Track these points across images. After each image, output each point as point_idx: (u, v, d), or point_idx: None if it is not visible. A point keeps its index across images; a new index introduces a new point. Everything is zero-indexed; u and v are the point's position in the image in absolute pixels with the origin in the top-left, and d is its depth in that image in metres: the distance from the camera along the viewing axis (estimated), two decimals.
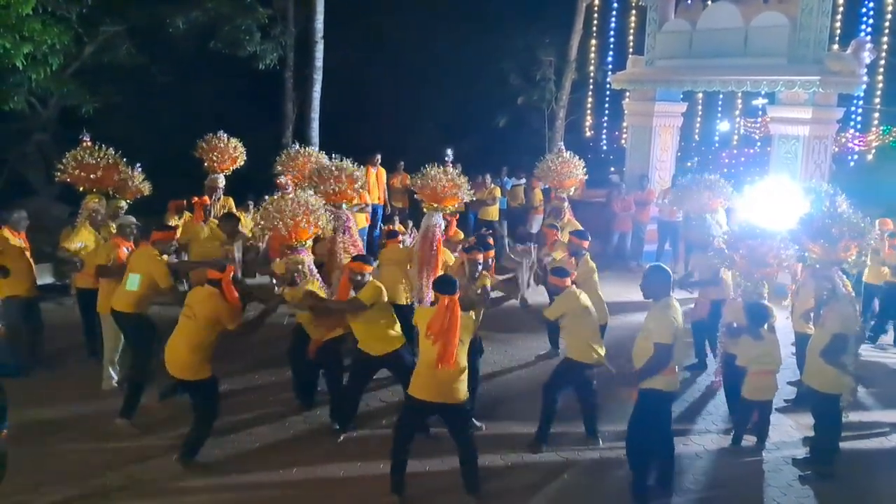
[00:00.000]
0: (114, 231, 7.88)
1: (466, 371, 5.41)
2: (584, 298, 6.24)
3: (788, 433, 6.81)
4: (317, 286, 6.63)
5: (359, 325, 6.22)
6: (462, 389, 5.34)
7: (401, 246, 8.10)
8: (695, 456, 6.38)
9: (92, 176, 8.40)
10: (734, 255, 7.01)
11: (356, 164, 8.29)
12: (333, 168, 8.12)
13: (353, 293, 6.21)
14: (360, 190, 8.62)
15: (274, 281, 7.65)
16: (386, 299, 6.31)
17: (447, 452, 5.98)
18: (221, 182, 9.85)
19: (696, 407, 7.41)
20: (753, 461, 6.34)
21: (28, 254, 7.63)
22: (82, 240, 7.79)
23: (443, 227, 8.12)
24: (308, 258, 7.01)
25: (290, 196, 7.20)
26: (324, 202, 7.50)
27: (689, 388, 7.85)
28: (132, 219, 7.73)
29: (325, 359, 6.56)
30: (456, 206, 8.09)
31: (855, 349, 6.21)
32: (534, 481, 5.81)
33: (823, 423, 6.10)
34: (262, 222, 7.13)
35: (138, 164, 8.88)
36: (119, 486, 5.55)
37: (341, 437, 6.39)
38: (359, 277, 6.17)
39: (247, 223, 9.07)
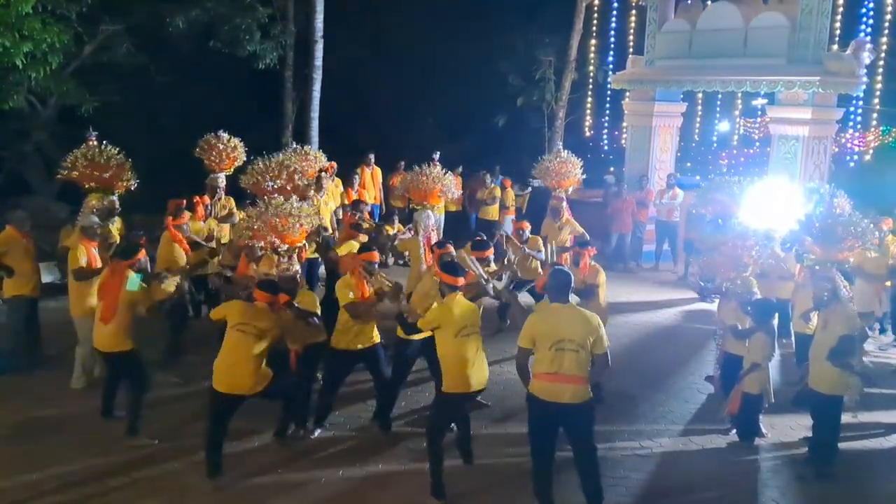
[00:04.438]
0: (115, 229, 7.89)
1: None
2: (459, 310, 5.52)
3: (787, 433, 6.81)
4: (311, 296, 6.59)
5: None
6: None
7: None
8: (694, 456, 6.39)
9: (100, 175, 8.37)
10: (712, 258, 7.06)
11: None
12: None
13: None
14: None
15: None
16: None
17: (446, 453, 6.00)
18: (222, 181, 9.85)
19: (695, 407, 7.43)
20: (752, 461, 6.35)
21: (32, 253, 7.62)
22: None
23: (438, 224, 8.26)
24: (296, 267, 6.88)
25: (275, 201, 7.06)
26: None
27: (688, 388, 7.87)
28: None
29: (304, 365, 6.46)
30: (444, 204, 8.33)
31: (859, 348, 6.23)
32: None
33: (824, 424, 6.11)
34: (247, 229, 7.01)
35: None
36: (119, 486, 5.55)
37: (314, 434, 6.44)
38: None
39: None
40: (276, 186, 8.12)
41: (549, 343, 5.00)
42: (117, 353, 6.27)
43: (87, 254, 7.16)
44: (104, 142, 8.64)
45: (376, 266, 6.48)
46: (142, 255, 6.42)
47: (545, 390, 5.05)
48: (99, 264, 7.24)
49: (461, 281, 5.61)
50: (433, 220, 8.35)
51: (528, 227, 9.11)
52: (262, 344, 5.61)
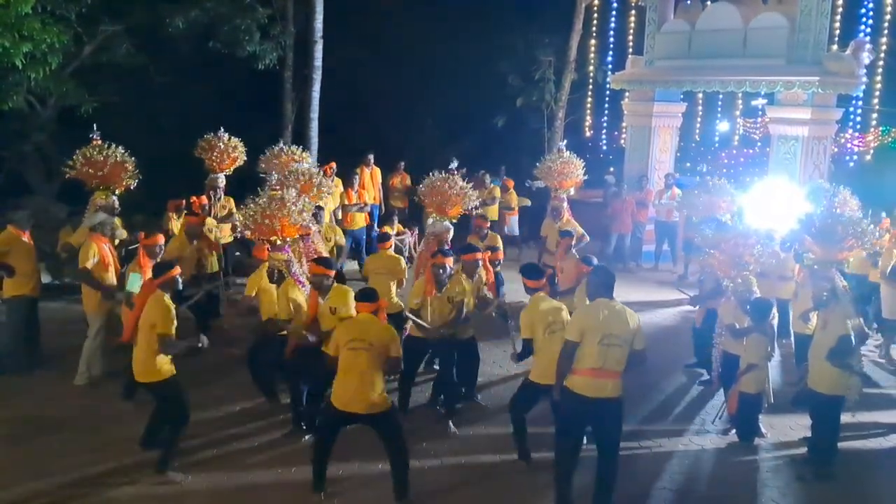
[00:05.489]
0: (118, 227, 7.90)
1: None
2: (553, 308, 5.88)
3: (787, 433, 6.81)
4: (296, 288, 6.57)
5: None
6: None
7: (390, 252, 8.07)
8: (694, 456, 6.39)
9: (100, 173, 8.39)
10: (712, 257, 7.06)
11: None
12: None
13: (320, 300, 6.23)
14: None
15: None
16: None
17: (446, 453, 6.01)
18: (222, 182, 9.86)
19: (695, 407, 7.43)
20: (752, 461, 6.35)
21: (33, 253, 7.62)
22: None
23: (450, 234, 8.15)
24: (291, 257, 6.88)
25: (274, 194, 7.05)
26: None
27: (688, 389, 7.88)
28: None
29: (294, 362, 6.42)
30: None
31: (859, 348, 6.22)
32: (533, 481, 5.82)
33: (823, 424, 6.11)
34: (246, 221, 7.02)
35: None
36: (117, 486, 5.55)
37: (306, 438, 6.29)
38: (326, 281, 6.21)
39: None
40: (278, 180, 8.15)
41: (598, 337, 5.06)
42: (150, 384, 5.77)
43: (98, 252, 7.18)
44: (108, 142, 8.63)
45: (329, 280, 6.24)
46: (175, 272, 5.90)
47: (588, 386, 5.09)
48: (111, 261, 7.30)
49: (542, 282, 5.94)
50: (446, 228, 8.15)
51: (487, 225, 9.31)
52: (376, 358, 5.24)
